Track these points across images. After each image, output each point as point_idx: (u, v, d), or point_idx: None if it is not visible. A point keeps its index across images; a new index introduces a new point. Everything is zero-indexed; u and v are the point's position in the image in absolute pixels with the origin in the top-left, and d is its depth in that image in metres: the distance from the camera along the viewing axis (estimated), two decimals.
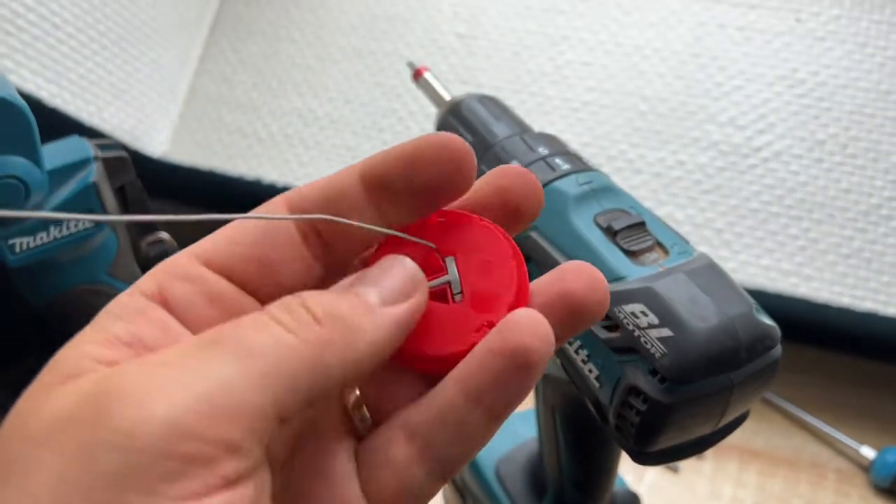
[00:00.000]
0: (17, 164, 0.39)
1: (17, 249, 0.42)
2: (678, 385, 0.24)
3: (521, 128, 0.36)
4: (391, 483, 0.18)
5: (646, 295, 0.25)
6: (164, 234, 0.51)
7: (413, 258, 0.20)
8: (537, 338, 0.18)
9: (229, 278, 0.19)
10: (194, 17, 0.78)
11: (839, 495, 0.60)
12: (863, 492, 0.60)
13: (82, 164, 0.44)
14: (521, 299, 0.20)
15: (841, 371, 0.68)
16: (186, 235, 0.28)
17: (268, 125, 0.75)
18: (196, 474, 0.14)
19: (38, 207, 0.42)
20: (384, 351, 0.18)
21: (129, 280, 0.48)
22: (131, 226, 0.48)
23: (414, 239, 0.21)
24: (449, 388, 0.18)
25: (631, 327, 0.25)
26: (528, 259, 0.30)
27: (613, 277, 0.26)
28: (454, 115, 0.38)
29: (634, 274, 0.26)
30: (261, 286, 0.20)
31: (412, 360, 0.20)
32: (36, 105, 0.56)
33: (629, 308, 0.25)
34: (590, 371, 0.27)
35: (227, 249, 0.19)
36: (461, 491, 0.52)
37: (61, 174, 0.43)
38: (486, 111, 0.37)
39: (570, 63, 0.72)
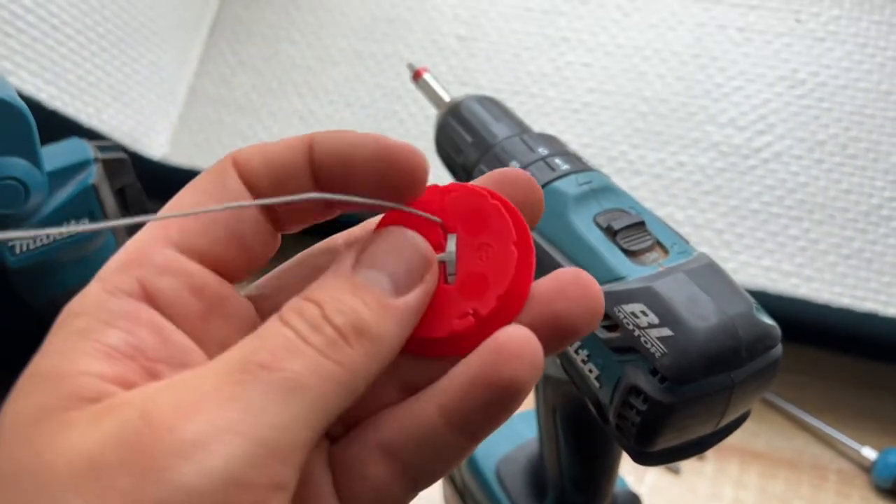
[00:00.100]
0: (17, 165, 0.39)
1: (17, 250, 0.42)
2: (678, 385, 0.24)
3: (521, 128, 0.36)
4: (367, 496, 0.18)
5: (646, 294, 0.25)
6: None
7: (416, 230, 0.19)
8: (530, 368, 0.17)
9: (209, 264, 0.18)
10: (194, 18, 0.78)
11: (840, 496, 0.59)
12: (864, 493, 0.60)
13: (82, 165, 0.44)
14: (514, 291, 0.19)
15: (842, 372, 0.68)
16: None
17: (268, 127, 0.75)
18: None
19: (38, 209, 0.42)
20: (400, 346, 0.18)
21: None
22: (131, 226, 0.48)
23: (419, 213, 0.20)
24: (430, 411, 0.18)
25: (631, 327, 0.25)
26: None
27: (613, 277, 0.26)
28: (454, 116, 0.38)
29: (634, 274, 0.26)
30: (237, 267, 0.19)
31: None
32: (35, 107, 0.56)
33: (629, 308, 0.25)
34: (590, 371, 0.27)
35: (203, 234, 0.18)
36: (461, 492, 0.52)
37: (61, 176, 0.43)
38: (486, 112, 0.37)
39: (571, 64, 0.72)
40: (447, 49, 0.74)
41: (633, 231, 0.28)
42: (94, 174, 0.44)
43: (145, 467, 0.13)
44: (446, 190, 0.20)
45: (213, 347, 0.18)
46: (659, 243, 0.28)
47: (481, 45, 0.74)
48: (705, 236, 0.64)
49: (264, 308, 0.20)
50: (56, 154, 0.44)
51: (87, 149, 0.45)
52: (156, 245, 0.18)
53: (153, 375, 0.16)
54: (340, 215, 0.21)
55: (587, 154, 0.67)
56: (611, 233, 0.28)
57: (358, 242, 0.19)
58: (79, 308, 0.17)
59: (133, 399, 0.15)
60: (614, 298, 0.26)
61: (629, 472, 0.60)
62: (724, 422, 0.27)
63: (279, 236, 0.20)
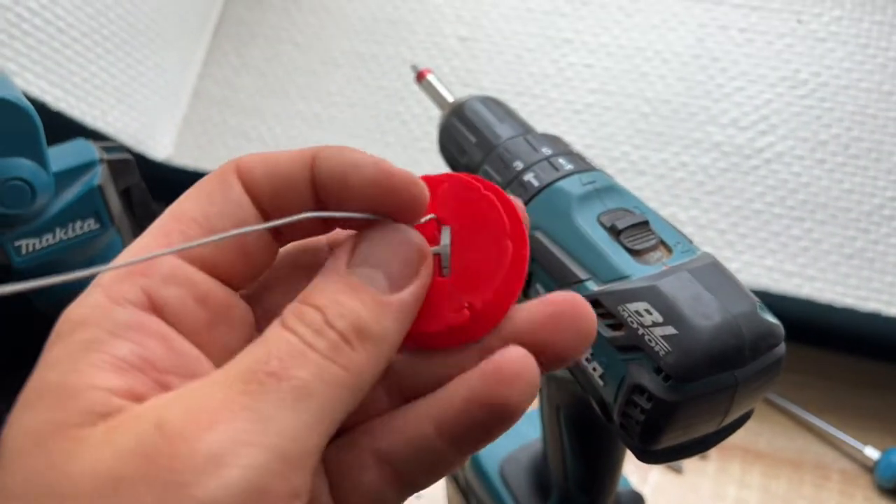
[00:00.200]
0: (24, 166, 0.39)
1: (24, 251, 0.42)
2: (683, 383, 0.24)
3: (525, 128, 0.36)
4: (362, 501, 0.18)
5: (650, 293, 0.25)
6: None
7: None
8: (527, 391, 0.17)
9: (212, 272, 0.18)
10: (197, 21, 0.78)
11: (843, 496, 0.59)
12: (867, 493, 0.60)
13: (88, 166, 0.44)
14: (509, 284, 0.19)
15: (844, 372, 0.68)
16: None
17: (271, 128, 0.75)
18: None
19: (44, 209, 0.42)
20: (400, 342, 0.18)
21: None
22: (136, 227, 0.48)
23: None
24: (426, 425, 0.18)
25: (635, 326, 0.25)
26: (531, 259, 0.30)
27: (617, 276, 0.26)
28: (457, 117, 0.38)
29: (638, 273, 0.26)
30: (239, 276, 0.19)
31: None
32: (41, 108, 0.56)
33: (633, 307, 0.25)
34: (594, 369, 0.27)
35: (210, 245, 0.18)
36: (465, 491, 0.52)
37: (67, 176, 0.43)
38: (490, 112, 0.37)
39: (573, 65, 0.72)
40: (449, 50, 0.75)
41: (637, 230, 0.28)
42: (100, 175, 0.44)
43: (167, 481, 0.13)
44: (440, 180, 0.20)
45: (218, 356, 0.18)
46: (663, 242, 0.28)
47: (483, 46, 0.74)
48: (708, 236, 0.64)
49: (253, 310, 0.20)
50: (62, 155, 0.44)
51: (92, 150, 0.45)
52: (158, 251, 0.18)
53: (164, 387, 0.16)
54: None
55: (590, 155, 0.68)
56: (615, 232, 0.28)
57: (349, 239, 0.19)
58: (81, 317, 0.16)
59: (146, 411, 0.15)
60: (618, 297, 0.26)
61: (632, 472, 0.60)
62: (728, 420, 0.27)
63: (278, 247, 0.20)
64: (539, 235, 0.30)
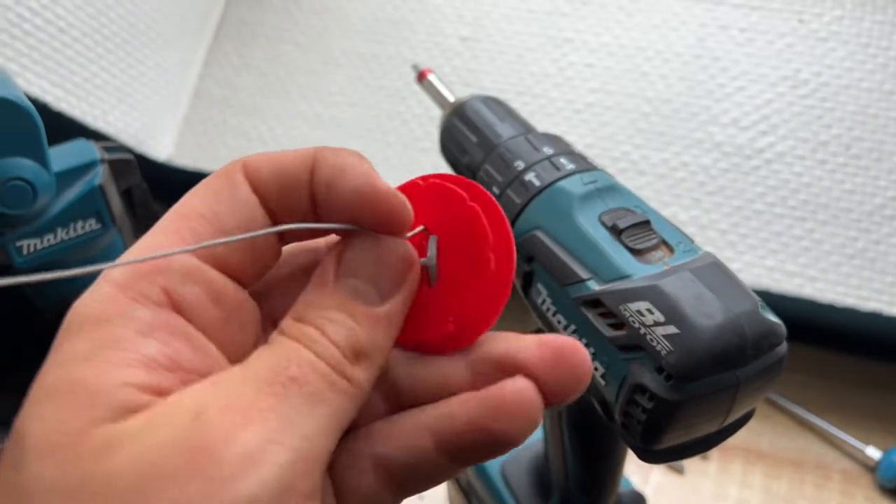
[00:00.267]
0: (25, 166, 0.39)
1: (25, 251, 0.42)
2: (684, 382, 0.24)
3: (526, 128, 0.36)
4: (361, 502, 0.19)
5: (651, 293, 0.25)
6: None
7: None
8: (527, 425, 0.18)
9: (225, 272, 0.19)
10: (198, 21, 0.79)
11: (845, 496, 0.59)
12: (868, 492, 0.60)
13: (89, 166, 0.44)
14: (493, 297, 0.19)
15: (846, 371, 0.68)
16: None
17: (272, 128, 0.75)
18: None
19: (45, 209, 0.42)
20: (391, 349, 0.19)
21: None
22: (138, 227, 0.48)
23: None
24: (425, 438, 0.18)
25: (637, 325, 0.25)
26: (532, 258, 0.30)
27: (619, 276, 0.26)
28: (458, 117, 0.38)
29: (640, 272, 0.26)
30: (248, 274, 0.19)
31: None
32: (42, 108, 0.57)
33: (635, 306, 0.25)
34: (595, 369, 0.27)
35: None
36: (466, 492, 0.52)
37: (68, 176, 0.43)
38: (491, 112, 0.37)
39: (573, 65, 0.72)
40: (450, 50, 0.75)
41: (639, 230, 0.28)
42: (101, 175, 0.44)
43: (210, 475, 0.14)
44: (427, 187, 0.20)
45: (231, 354, 0.18)
46: (664, 242, 0.28)
47: (484, 46, 0.74)
48: (709, 237, 0.64)
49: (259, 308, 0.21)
50: (63, 155, 0.44)
51: (93, 150, 0.45)
52: (173, 249, 0.18)
53: (187, 386, 0.16)
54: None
55: (591, 154, 0.67)
56: (616, 231, 0.28)
57: (334, 247, 0.19)
58: (102, 314, 0.16)
59: (180, 405, 0.15)
60: (620, 296, 0.26)
61: (634, 473, 0.60)
62: (730, 420, 0.27)
63: (281, 246, 0.21)
64: (540, 235, 0.30)
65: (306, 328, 0.17)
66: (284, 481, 0.15)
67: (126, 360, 0.16)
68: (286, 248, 0.21)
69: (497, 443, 0.18)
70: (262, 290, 0.21)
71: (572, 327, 0.28)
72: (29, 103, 0.38)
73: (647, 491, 0.59)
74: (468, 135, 0.37)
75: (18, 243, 0.42)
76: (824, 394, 0.66)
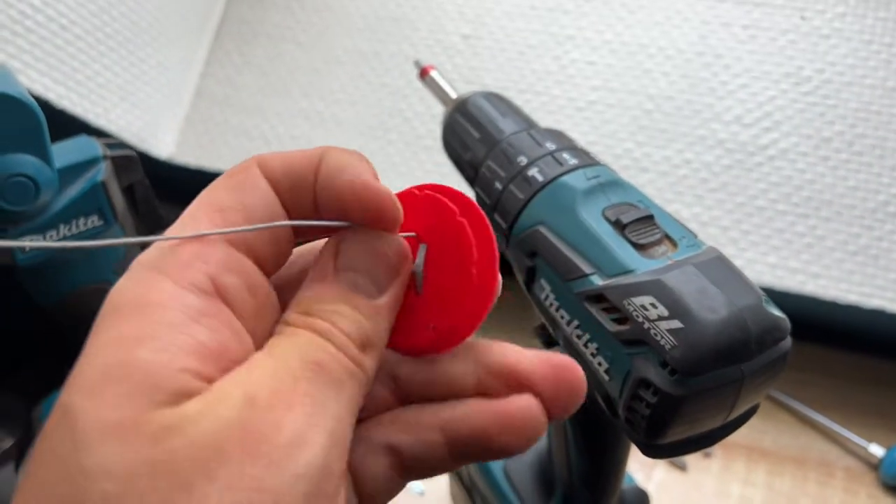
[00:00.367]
0: (28, 162, 0.39)
1: (27, 248, 0.42)
2: (688, 377, 0.24)
3: (528, 124, 0.36)
4: (374, 483, 0.20)
5: (655, 287, 0.25)
6: None
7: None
8: (527, 441, 0.19)
9: (254, 261, 0.19)
10: (200, 19, 0.78)
11: (848, 494, 0.59)
12: (871, 490, 0.59)
13: (91, 162, 0.44)
14: (472, 309, 0.20)
15: (849, 369, 0.67)
16: None
17: (274, 127, 0.75)
18: None
19: (48, 206, 0.42)
20: (388, 335, 0.20)
21: None
22: (140, 224, 0.48)
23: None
24: (436, 433, 0.19)
25: (640, 319, 0.25)
26: (535, 254, 0.30)
27: (622, 270, 0.26)
28: (461, 113, 0.38)
29: (643, 267, 0.26)
30: (272, 266, 0.20)
31: None
32: (44, 106, 0.56)
33: (638, 300, 0.25)
34: (599, 364, 0.27)
35: (252, 234, 0.19)
36: (469, 489, 0.52)
37: (70, 173, 0.43)
38: (493, 108, 0.37)
39: (575, 62, 0.72)
40: (452, 48, 0.75)
41: (642, 224, 0.28)
42: (103, 171, 0.44)
43: (267, 454, 0.15)
44: (421, 197, 0.21)
45: (258, 344, 0.19)
46: (668, 237, 0.28)
47: (486, 43, 0.74)
48: (711, 233, 0.64)
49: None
50: (65, 151, 0.44)
51: (96, 146, 0.45)
52: (217, 242, 0.18)
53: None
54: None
55: (593, 152, 0.67)
56: (620, 226, 0.28)
57: (330, 241, 0.20)
58: (146, 298, 0.16)
59: (230, 388, 0.16)
60: (623, 291, 0.26)
61: (637, 470, 0.60)
62: (734, 415, 0.27)
63: (295, 242, 0.21)
64: (543, 230, 0.30)
65: (317, 321, 0.18)
66: (326, 462, 0.15)
67: (180, 345, 0.16)
68: (296, 251, 0.22)
69: (501, 451, 0.19)
70: (282, 284, 0.21)
71: (576, 322, 0.28)
72: (31, 99, 0.38)
73: (649, 488, 0.59)
74: (471, 131, 0.37)
75: (21, 239, 0.42)
76: (827, 391, 0.66)
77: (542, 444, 0.48)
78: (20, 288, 0.46)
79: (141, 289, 0.17)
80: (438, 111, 0.70)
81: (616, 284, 0.26)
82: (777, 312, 0.26)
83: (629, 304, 0.25)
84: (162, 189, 0.52)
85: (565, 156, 0.32)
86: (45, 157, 0.40)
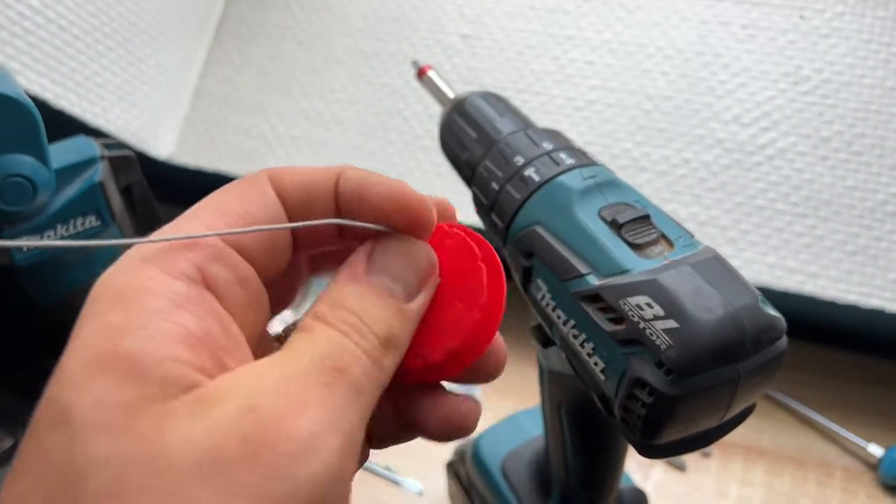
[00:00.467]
0: (25, 162, 0.39)
1: (25, 248, 0.42)
2: (684, 377, 0.24)
3: (526, 124, 0.36)
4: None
5: (651, 287, 0.25)
6: None
7: None
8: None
9: (249, 260, 0.19)
10: (199, 19, 0.78)
11: (847, 493, 0.59)
12: (871, 490, 0.59)
13: (89, 163, 0.44)
14: (467, 349, 0.20)
15: (847, 369, 0.67)
16: None
17: (274, 126, 0.75)
18: None
19: (45, 206, 0.42)
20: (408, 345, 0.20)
21: None
22: (137, 224, 0.48)
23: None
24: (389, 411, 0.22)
25: (636, 319, 0.25)
26: (531, 254, 0.30)
27: (618, 270, 0.26)
28: (458, 113, 0.38)
29: (639, 266, 0.26)
30: (265, 270, 0.20)
31: None
32: (42, 106, 0.56)
33: (634, 300, 0.25)
34: (595, 364, 0.27)
35: (248, 237, 0.19)
36: (467, 489, 0.52)
37: (68, 173, 0.43)
38: (491, 108, 0.37)
39: (574, 62, 0.72)
40: (451, 48, 0.75)
41: (638, 224, 0.28)
42: (101, 171, 0.44)
43: (268, 462, 0.14)
44: (448, 234, 0.21)
45: (248, 336, 0.19)
46: (664, 237, 0.28)
47: (485, 43, 0.74)
48: (710, 233, 0.64)
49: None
50: (63, 151, 0.44)
51: (93, 146, 0.45)
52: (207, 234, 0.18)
53: (220, 362, 0.17)
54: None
55: (591, 152, 0.67)
56: (616, 226, 0.28)
57: (363, 247, 0.21)
58: (132, 285, 0.16)
59: (232, 391, 0.15)
60: (619, 291, 0.26)
61: (635, 470, 0.60)
62: (730, 414, 0.27)
63: (293, 244, 0.21)
64: (540, 230, 0.30)
65: (347, 316, 0.18)
66: (338, 466, 0.15)
67: (169, 332, 0.16)
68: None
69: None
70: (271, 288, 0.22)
71: (572, 322, 0.28)
72: (28, 99, 0.38)
73: (648, 488, 0.59)
74: (468, 131, 0.37)
75: (19, 240, 0.42)
76: (826, 391, 0.66)
77: (539, 444, 0.48)
78: (19, 288, 0.46)
79: (127, 277, 0.17)
80: (437, 111, 0.70)
81: (612, 284, 0.26)
82: (773, 312, 0.26)
83: (625, 303, 0.25)
84: (161, 189, 0.52)
85: (562, 156, 0.32)
86: (43, 157, 0.40)
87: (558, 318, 0.28)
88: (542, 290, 0.29)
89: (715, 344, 0.24)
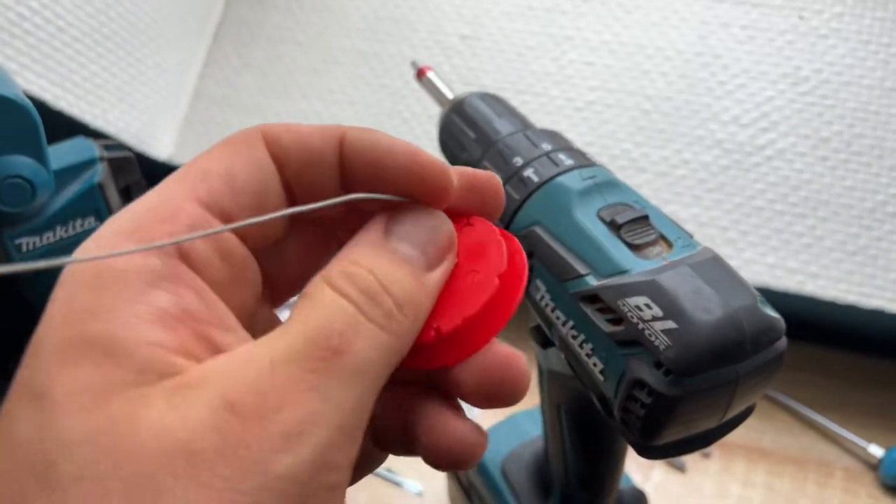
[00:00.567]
0: (24, 164, 0.39)
1: (24, 249, 0.42)
2: (683, 377, 0.24)
3: (524, 124, 0.36)
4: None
5: (650, 287, 0.25)
6: None
7: None
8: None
9: (236, 232, 0.18)
10: (198, 21, 0.79)
11: (847, 494, 0.59)
12: (871, 490, 0.59)
13: (88, 164, 0.44)
14: (485, 317, 0.19)
15: (848, 369, 0.67)
16: None
17: None
18: (333, 498, 0.15)
19: (44, 207, 0.42)
20: (425, 320, 0.19)
21: None
22: None
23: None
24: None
25: (635, 320, 0.25)
26: (530, 254, 0.30)
27: (617, 271, 0.26)
28: (457, 114, 0.38)
29: (638, 267, 0.26)
30: (255, 239, 0.19)
31: None
32: (41, 107, 0.57)
33: (633, 301, 0.25)
34: (594, 365, 0.27)
35: (232, 199, 0.18)
36: (466, 489, 0.52)
37: (67, 174, 0.43)
38: (489, 108, 0.37)
39: (574, 63, 0.72)
40: (450, 49, 0.75)
41: (637, 225, 0.28)
42: (100, 173, 0.44)
43: (243, 457, 0.14)
44: (468, 222, 0.21)
45: (236, 311, 0.18)
46: (663, 237, 0.28)
47: (484, 44, 0.74)
48: (709, 234, 0.64)
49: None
50: (62, 153, 0.44)
51: (92, 147, 0.45)
52: (185, 202, 0.17)
53: (205, 340, 0.16)
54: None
55: (590, 152, 0.67)
56: (615, 227, 0.28)
57: (380, 215, 0.19)
58: (117, 263, 0.15)
59: (209, 383, 0.15)
60: (618, 292, 0.26)
61: (635, 471, 0.60)
62: (729, 415, 0.27)
63: (286, 223, 0.20)
64: (539, 231, 0.30)
65: (358, 270, 0.17)
66: (323, 457, 0.15)
67: (142, 314, 0.15)
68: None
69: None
70: (269, 255, 0.21)
71: (571, 323, 0.28)
72: (27, 101, 0.38)
73: (648, 489, 0.59)
74: (467, 131, 0.37)
75: (17, 241, 0.42)
76: (826, 392, 0.66)
77: (539, 444, 0.48)
78: (19, 288, 0.46)
79: (99, 254, 0.16)
80: (436, 112, 0.70)
81: (611, 285, 0.26)
82: (772, 313, 0.26)
83: (624, 304, 0.25)
84: None
85: (561, 156, 0.32)
86: (42, 158, 0.40)
87: (557, 318, 0.28)
88: (541, 290, 0.29)
89: (714, 345, 0.24)
